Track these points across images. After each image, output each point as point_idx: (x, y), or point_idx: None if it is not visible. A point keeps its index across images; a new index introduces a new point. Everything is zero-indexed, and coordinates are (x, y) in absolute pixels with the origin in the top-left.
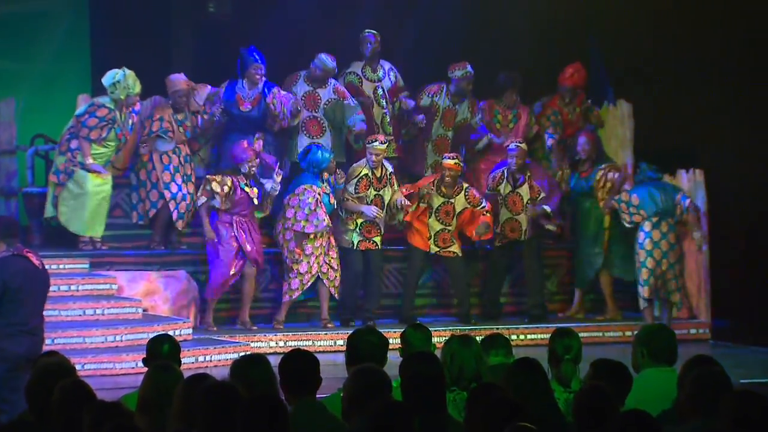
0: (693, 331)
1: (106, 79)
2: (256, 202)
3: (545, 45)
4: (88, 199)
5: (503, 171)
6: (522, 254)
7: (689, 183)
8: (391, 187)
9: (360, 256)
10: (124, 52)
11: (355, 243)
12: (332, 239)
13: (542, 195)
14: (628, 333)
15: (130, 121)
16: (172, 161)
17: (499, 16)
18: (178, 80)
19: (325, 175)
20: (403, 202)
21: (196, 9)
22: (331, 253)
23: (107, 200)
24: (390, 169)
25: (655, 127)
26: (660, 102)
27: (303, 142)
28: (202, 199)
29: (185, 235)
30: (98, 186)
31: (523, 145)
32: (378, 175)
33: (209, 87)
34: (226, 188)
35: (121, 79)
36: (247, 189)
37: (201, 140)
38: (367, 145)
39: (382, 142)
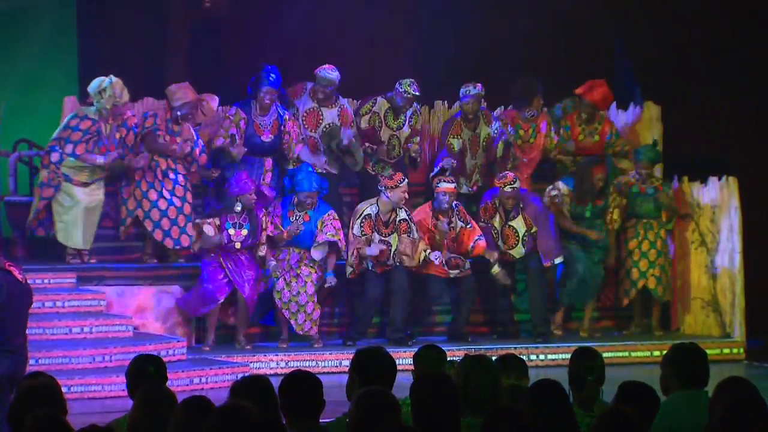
0: (726, 350)
1: (92, 87)
2: (238, 245)
3: (569, 46)
4: (80, 209)
5: (494, 202)
6: (522, 269)
7: (721, 191)
8: (402, 234)
9: (376, 279)
10: (114, 51)
11: (370, 265)
12: (304, 269)
13: (534, 228)
14: (656, 353)
15: (118, 135)
16: (147, 176)
17: (517, 20)
18: (183, 90)
19: (295, 200)
20: (436, 257)
21: (191, 5)
22: (297, 281)
23: (98, 210)
24: (403, 215)
25: (685, 130)
26: (691, 104)
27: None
28: (198, 245)
29: (186, 248)
30: (89, 195)
31: (516, 185)
32: (384, 219)
33: (216, 98)
34: (216, 231)
35: (107, 86)
36: (231, 231)
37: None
38: (394, 188)
39: (404, 180)
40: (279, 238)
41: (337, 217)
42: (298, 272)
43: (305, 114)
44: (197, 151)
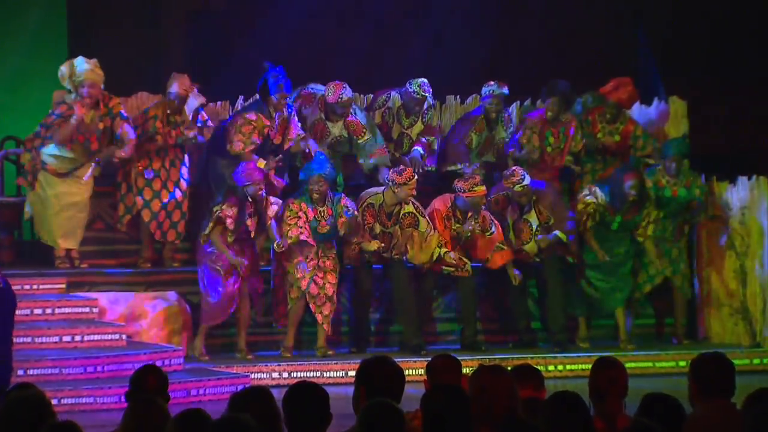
0: (756, 361)
1: None
2: (253, 235)
3: (589, 39)
4: (53, 203)
5: (506, 194)
6: (540, 273)
7: (751, 191)
8: (405, 228)
9: (368, 272)
10: (106, 44)
11: (369, 256)
12: (327, 262)
13: (552, 220)
14: (682, 363)
15: (102, 124)
16: (153, 164)
17: (535, 13)
18: (179, 80)
19: (315, 195)
20: (452, 257)
21: None
22: (321, 274)
23: (81, 207)
24: (410, 208)
25: (713, 127)
26: (718, 100)
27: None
28: (215, 237)
29: (179, 251)
30: (69, 188)
31: (526, 182)
32: (388, 211)
33: (202, 98)
34: (233, 222)
35: (66, 65)
36: (248, 222)
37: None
38: (403, 186)
39: (414, 177)
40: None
41: (347, 198)
42: (325, 270)
43: (312, 125)
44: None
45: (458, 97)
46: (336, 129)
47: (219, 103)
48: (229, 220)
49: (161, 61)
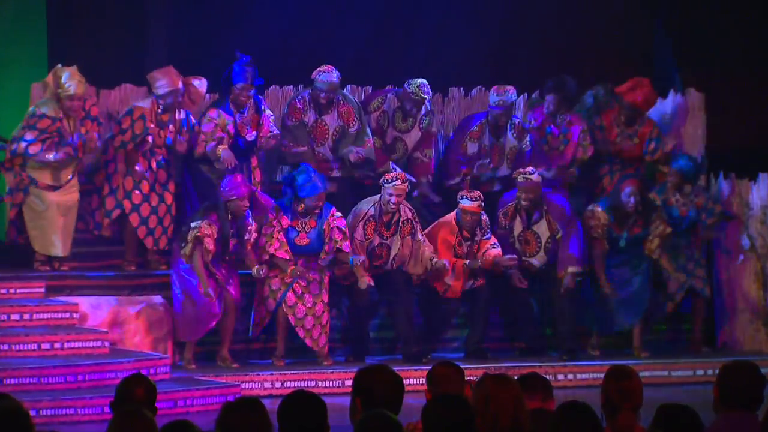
0: None
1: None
2: (234, 257)
3: (602, 27)
4: (54, 212)
5: (514, 205)
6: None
7: None
8: (405, 237)
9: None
10: (88, 31)
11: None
12: (312, 273)
13: (560, 233)
14: (700, 372)
15: (84, 129)
16: (141, 165)
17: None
18: (167, 76)
19: (300, 207)
20: (445, 265)
21: None
22: (304, 283)
23: (74, 212)
24: (408, 214)
25: (732, 121)
26: (738, 92)
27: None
28: (194, 257)
29: (165, 253)
30: (61, 195)
31: (533, 177)
32: (386, 220)
33: (204, 81)
34: (212, 242)
35: (50, 77)
36: (232, 242)
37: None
38: (384, 184)
39: (402, 181)
40: (283, 275)
41: (340, 216)
42: (309, 279)
43: (311, 128)
44: (182, 137)
45: (462, 89)
46: (332, 122)
47: (208, 96)
48: (208, 240)
49: (145, 51)
